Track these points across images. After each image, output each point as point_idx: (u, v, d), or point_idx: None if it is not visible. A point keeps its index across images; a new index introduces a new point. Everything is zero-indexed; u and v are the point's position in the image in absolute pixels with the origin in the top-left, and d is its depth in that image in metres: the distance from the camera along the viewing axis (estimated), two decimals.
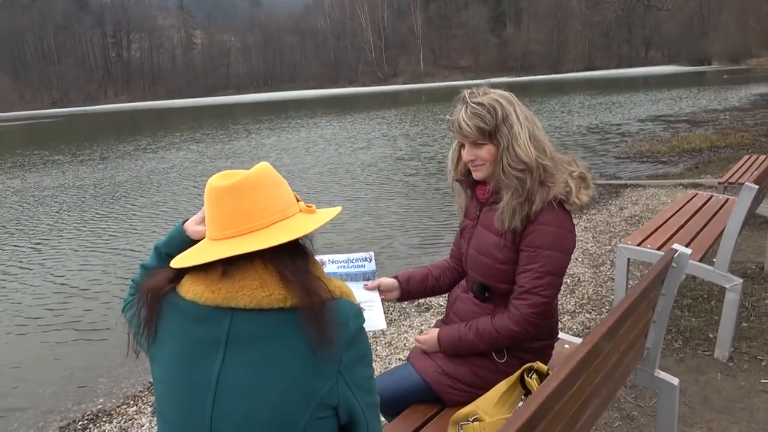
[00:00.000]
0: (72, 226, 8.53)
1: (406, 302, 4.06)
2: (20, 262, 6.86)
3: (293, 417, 1.02)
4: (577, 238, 2.13)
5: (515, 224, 1.69)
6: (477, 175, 1.77)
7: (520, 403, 1.42)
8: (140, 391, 3.56)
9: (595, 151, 11.97)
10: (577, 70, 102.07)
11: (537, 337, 1.80)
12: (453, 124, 1.73)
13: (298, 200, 1.17)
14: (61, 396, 3.63)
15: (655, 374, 2.02)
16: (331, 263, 1.83)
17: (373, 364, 1.17)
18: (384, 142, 16.79)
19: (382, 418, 1.85)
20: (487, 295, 1.82)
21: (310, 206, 1.16)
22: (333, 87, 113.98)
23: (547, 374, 1.43)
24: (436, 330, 1.83)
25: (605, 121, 17.97)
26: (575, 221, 2.03)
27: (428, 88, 75.64)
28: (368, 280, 1.90)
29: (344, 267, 1.86)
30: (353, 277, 1.87)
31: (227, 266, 1.05)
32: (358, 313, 1.10)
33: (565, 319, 3.73)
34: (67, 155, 19.43)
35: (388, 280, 1.96)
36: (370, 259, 1.91)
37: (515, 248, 1.73)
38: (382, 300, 1.85)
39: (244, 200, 1.07)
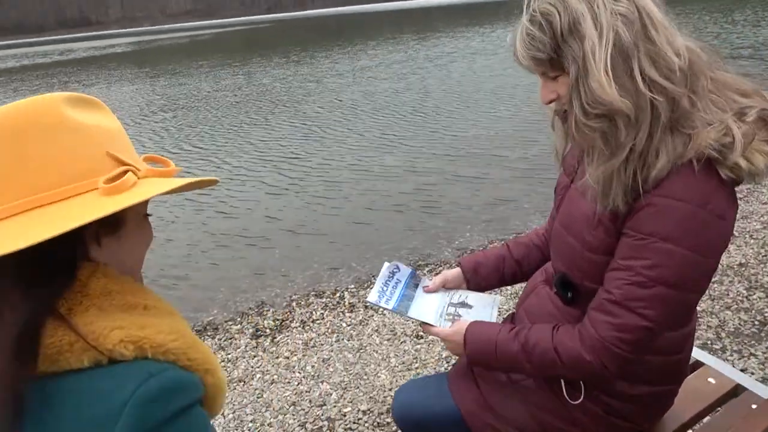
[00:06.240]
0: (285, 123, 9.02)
1: None
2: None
3: None
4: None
5: (616, 204, 1.04)
6: None
7: None
8: (249, 309, 3.58)
9: None
10: None
11: (642, 380, 1.19)
12: (513, 52, 1.08)
13: (162, 161, 0.76)
14: (183, 302, 3.78)
15: None
16: (381, 300, 1.38)
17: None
18: None
19: None
20: (570, 295, 1.23)
21: (166, 165, 0.75)
22: None
23: None
24: (465, 323, 1.27)
25: None
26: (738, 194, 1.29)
27: None
28: (416, 286, 1.46)
29: (391, 293, 1.41)
30: (408, 297, 1.43)
31: None
32: (169, 390, 0.65)
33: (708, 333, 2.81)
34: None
35: (451, 273, 1.48)
36: (397, 267, 1.44)
37: (615, 229, 1.08)
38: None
39: None
